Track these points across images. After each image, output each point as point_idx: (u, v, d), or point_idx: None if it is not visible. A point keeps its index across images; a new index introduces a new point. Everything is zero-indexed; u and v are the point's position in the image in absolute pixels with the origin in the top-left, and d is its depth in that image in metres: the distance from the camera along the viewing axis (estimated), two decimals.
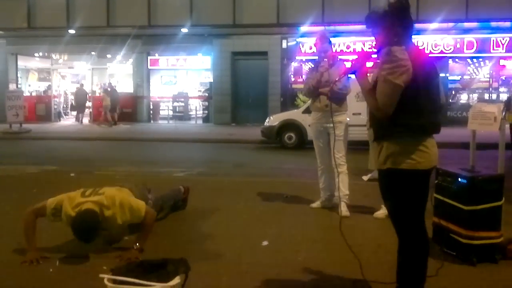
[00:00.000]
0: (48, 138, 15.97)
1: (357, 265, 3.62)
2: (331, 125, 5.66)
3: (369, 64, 3.29)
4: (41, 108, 22.59)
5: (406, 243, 3.13)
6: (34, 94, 24.44)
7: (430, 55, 19.24)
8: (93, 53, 22.57)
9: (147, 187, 5.64)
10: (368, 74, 3.24)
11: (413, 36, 3.19)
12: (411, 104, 2.98)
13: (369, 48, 18.16)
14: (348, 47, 19.25)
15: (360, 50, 18.89)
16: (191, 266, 3.33)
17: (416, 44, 3.20)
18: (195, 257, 4.03)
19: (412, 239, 3.12)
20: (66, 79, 26.97)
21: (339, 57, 6.32)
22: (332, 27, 17.69)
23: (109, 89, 21.53)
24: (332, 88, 5.56)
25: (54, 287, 3.70)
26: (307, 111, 12.50)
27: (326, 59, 5.85)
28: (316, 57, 6.22)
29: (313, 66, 6.11)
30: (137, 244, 4.21)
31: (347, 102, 5.94)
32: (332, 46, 6.09)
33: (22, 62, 24.25)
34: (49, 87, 24.16)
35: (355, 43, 19.15)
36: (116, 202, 4.21)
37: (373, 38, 3.26)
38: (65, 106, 25.01)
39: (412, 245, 3.11)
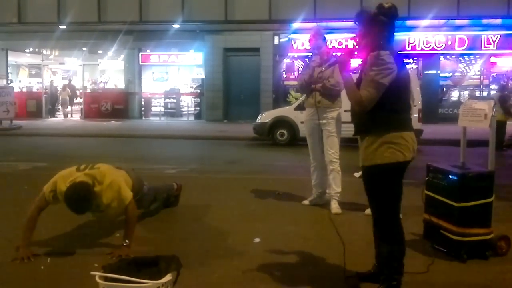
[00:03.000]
0: (39, 135, 15.87)
1: (348, 261, 3.63)
2: (324, 121, 5.68)
3: (354, 61, 3.41)
4: (32, 104, 22.44)
5: (389, 234, 3.31)
6: (24, 90, 24.32)
7: (421, 52, 19.37)
8: (84, 49, 22.44)
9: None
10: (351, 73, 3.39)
11: (400, 35, 3.33)
12: (395, 102, 3.27)
13: (353, 45, 18.17)
14: (340, 43, 19.28)
15: (352, 46, 18.89)
16: (183, 263, 3.34)
17: (395, 50, 3.37)
18: (187, 254, 4.03)
19: (395, 230, 3.31)
20: (57, 75, 26.82)
21: (334, 53, 6.30)
22: (324, 24, 17.70)
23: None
24: (324, 84, 5.59)
25: (46, 285, 3.68)
26: (299, 107, 12.55)
27: (319, 55, 5.85)
28: (310, 54, 6.22)
29: (307, 62, 6.11)
30: (126, 240, 4.19)
31: (341, 99, 5.90)
32: (326, 42, 6.07)
33: (13, 58, 24.07)
34: (51, 82, 24.15)
35: (347, 39, 19.16)
36: (106, 180, 4.19)
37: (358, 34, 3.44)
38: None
39: (395, 236, 3.31)
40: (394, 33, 3.36)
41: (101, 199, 4.16)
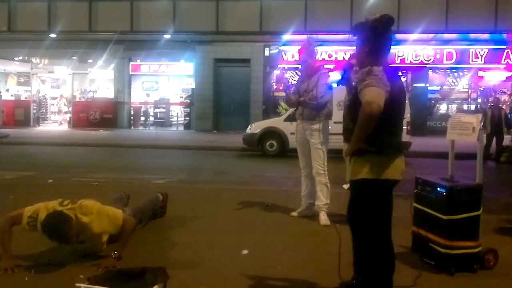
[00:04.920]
0: (27, 144, 15.74)
1: (336, 273, 3.62)
2: (308, 132, 5.73)
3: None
4: (20, 113, 22.30)
5: (377, 253, 3.25)
6: (12, 98, 24.18)
7: (410, 65, 19.56)
8: (74, 57, 22.39)
9: (126, 194, 5.58)
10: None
11: (391, 49, 3.29)
12: (387, 123, 3.11)
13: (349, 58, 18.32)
14: (330, 56, 19.41)
15: (341, 59, 19.07)
16: (170, 274, 3.30)
17: (390, 65, 3.29)
18: (174, 265, 3.99)
19: (384, 248, 3.26)
20: (46, 83, 26.69)
21: (325, 65, 6.33)
22: (314, 36, 17.81)
23: None
24: (304, 98, 5.65)
25: None
26: (289, 119, 12.58)
27: (303, 70, 5.91)
28: (300, 65, 6.27)
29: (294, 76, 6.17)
30: (115, 252, 4.15)
31: (328, 110, 5.89)
32: (315, 55, 6.05)
33: (1, 66, 23.98)
34: (38, 91, 24.20)
35: (337, 52, 19.31)
36: (93, 210, 4.17)
37: (355, 46, 3.35)
38: (44, 111, 24.76)
39: (384, 255, 3.26)
40: (389, 46, 3.28)
41: (91, 230, 4.13)
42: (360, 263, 3.46)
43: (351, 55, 3.39)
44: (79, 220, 4.06)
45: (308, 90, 5.65)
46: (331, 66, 16.97)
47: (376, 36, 3.19)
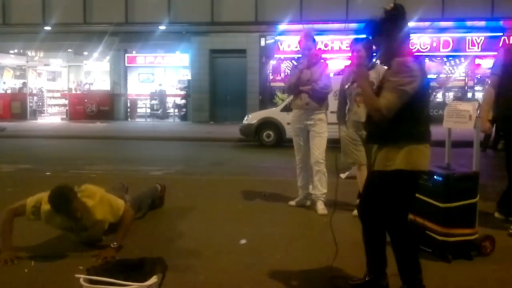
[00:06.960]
0: (24, 137, 15.71)
1: (334, 262, 3.63)
2: (311, 122, 5.74)
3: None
4: (16, 106, 22.22)
5: (399, 238, 3.23)
6: (9, 91, 24.07)
7: None
8: (69, 50, 22.31)
9: (125, 186, 5.59)
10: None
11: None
12: (417, 112, 3.17)
13: (346, 47, 18.29)
14: (326, 45, 19.34)
15: (337, 48, 19.01)
16: (169, 264, 3.31)
17: (417, 56, 3.33)
18: (172, 255, 4.01)
19: (404, 233, 3.24)
20: (42, 76, 26.59)
21: (322, 55, 6.34)
22: (310, 26, 17.76)
23: None
24: (313, 87, 5.66)
25: None
26: (286, 109, 12.58)
27: (307, 58, 5.90)
28: (296, 55, 6.28)
29: (295, 64, 6.16)
30: (115, 242, 4.17)
31: (328, 101, 5.96)
32: (315, 45, 6.09)
33: None
34: (24, 84, 23.84)
35: (333, 41, 19.25)
36: (97, 195, 4.23)
37: (369, 43, 3.39)
38: (40, 104, 24.66)
39: (408, 238, 3.24)
40: (408, 34, 3.28)
41: (94, 216, 4.17)
42: (375, 261, 3.42)
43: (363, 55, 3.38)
44: (83, 202, 4.10)
45: (312, 79, 5.69)
46: (328, 56, 16.99)
47: (397, 23, 3.20)
